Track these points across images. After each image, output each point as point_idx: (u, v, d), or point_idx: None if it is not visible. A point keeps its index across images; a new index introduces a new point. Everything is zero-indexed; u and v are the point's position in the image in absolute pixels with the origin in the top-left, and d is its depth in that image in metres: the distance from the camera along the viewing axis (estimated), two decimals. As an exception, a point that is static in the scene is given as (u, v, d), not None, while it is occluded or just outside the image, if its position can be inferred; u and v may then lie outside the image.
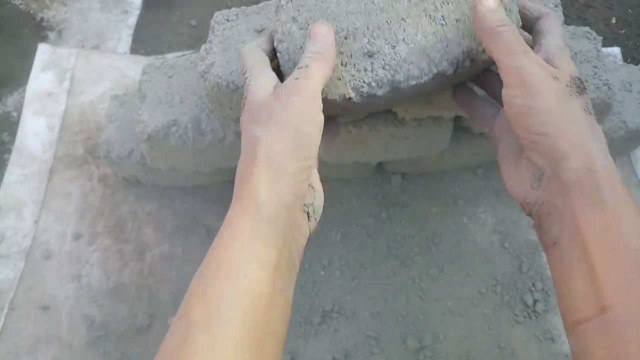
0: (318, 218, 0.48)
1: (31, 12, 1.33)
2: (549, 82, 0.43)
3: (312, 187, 0.46)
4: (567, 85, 0.44)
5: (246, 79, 0.49)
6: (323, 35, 0.48)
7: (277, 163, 0.41)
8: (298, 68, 0.45)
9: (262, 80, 0.47)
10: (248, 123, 0.45)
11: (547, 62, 0.46)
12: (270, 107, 0.43)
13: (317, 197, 0.47)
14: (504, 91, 0.45)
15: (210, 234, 1.00)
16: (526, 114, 0.43)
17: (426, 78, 0.51)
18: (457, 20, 0.52)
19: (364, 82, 0.51)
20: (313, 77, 0.44)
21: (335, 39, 0.50)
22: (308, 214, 0.45)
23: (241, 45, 0.82)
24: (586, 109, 0.45)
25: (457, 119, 0.91)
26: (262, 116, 0.43)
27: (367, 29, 0.51)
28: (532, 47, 0.47)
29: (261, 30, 0.85)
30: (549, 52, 0.47)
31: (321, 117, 0.44)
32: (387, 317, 0.91)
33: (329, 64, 0.47)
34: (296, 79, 0.44)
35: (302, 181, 0.43)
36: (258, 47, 0.54)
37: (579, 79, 0.46)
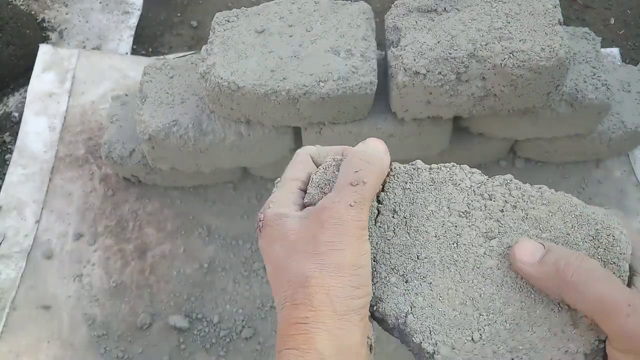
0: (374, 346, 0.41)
1: (32, 12, 1.33)
2: None
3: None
4: None
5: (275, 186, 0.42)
6: (380, 150, 0.40)
7: (340, 306, 0.36)
8: (353, 184, 0.37)
9: (290, 196, 0.40)
10: (286, 255, 0.38)
11: None
12: (317, 238, 0.36)
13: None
14: (608, 349, 0.35)
15: (210, 233, 1.00)
16: None
17: None
18: None
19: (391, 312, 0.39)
20: (367, 202, 0.37)
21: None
22: (371, 346, 0.38)
23: (242, 46, 0.83)
24: None
25: (456, 119, 0.92)
26: (306, 248, 0.37)
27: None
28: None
29: (262, 31, 0.85)
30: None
31: (368, 245, 0.38)
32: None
33: (382, 179, 0.39)
34: (351, 205, 0.37)
35: (365, 316, 0.37)
36: (309, 155, 0.43)
37: None
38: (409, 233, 0.40)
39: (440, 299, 0.38)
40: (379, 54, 0.87)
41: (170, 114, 0.90)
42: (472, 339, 0.37)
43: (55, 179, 1.07)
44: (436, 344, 0.37)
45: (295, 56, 0.80)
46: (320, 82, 0.78)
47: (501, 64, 0.76)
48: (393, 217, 0.41)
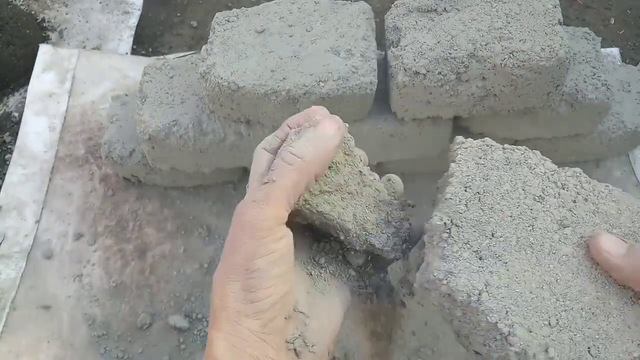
0: (320, 346, 0.38)
1: (32, 12, 1.33)
2: None
3: (298, 311, 0.38)
4: None
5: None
6: (331, 134, 0.38)
7: (232, 311, 0.35)
8: (263, 181, 0.37)
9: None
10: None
11: None
12: (227, 240, 0.36)
13: (311, 322, 0.39)
14: None
15: (211, 233, 1.00)
16: None
17: None
18: None
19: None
20: (273, 200, 0.36)
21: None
22: (296, 350, 0.37)
23: (242, 46, 0.83)
24: None
25: (456, 119, 0.92)
26: (225, 252, 0.36)
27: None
28: None
29: (262, 31, 0.85)
30: None
31: (281, 244, 0.36)
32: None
33: (310, 174, 0.37)
34: (253, 201, 0.36)
35: (272, 320, 0.36)
36: (262, 149, 0.40)
37: None
38: (482, 209, 0.39)
39: (517, 280, 0.37)
40: (379, 54, 0.87)
41: (170, 114, 0.90)
42: (549, 323, 0.36)
43: (55, 179, 1.07)
44: (512, 325, 0.35)
45: (295, 56, 0.80)
46: (320, 82, 0.78)
47: (501, 64, 0.76)
48: (465, 190, 0.39)
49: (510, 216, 0.39)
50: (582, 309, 0.36)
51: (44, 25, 1.32)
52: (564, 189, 0.40)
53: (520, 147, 0.42)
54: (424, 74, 0.78)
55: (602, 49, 0.95)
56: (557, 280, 0.37)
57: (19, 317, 0.93)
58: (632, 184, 1.02)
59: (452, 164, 0.41)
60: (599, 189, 0.40)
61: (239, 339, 0.35)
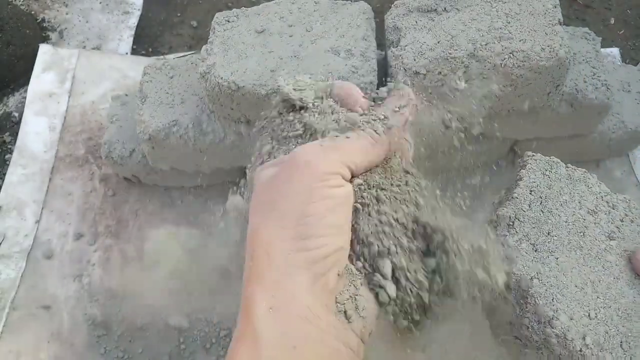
0: (369, 311, 0.34)
1: (32, 12, 1.33)
2: None
3: (350, 271, 0.34)
4: None
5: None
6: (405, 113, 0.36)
7: (279, 261, 0.31)
8: (335, 134, 0.34)
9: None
10: (251, 212, 0.34)
11: None
12: (272, 186, 0.33)
13: (361, 286, 0.34)
14: None
15: (212, 233, 1.00)
16: None
17: None
18: None
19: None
20: (341, 152, 0.33)
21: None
22: (346, 313, 0.32)
23: (242, 46, 0.83)
24: None
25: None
26: (262, 199, 0.33)
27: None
28: None
29: (262, 31, 0.85)
30: None
31: (340, 192, 0.33)
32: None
33: (380, 156, 0.36)
34: (320, 145, 0.33)
35: (324, 274, 0.31)
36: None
37: None
38: (542, 211, 0.46)
39: (565, 274, 0.43)
40: (379, 54, 0.87)
41: (170, 114, 0.90)
42: (589, 315, 0.41)
43: (55, 179, 1.07)
44: (557, 310, 0.41)
45: (295, 56, 0.80)
46: (320, 82, 0.78)
47: (501, 64, 0.76)
48: (530, 193, 0.47)
49: (566, 221, 0.46)
50: (619, 308, 0.42)
51: (44, 25, 1.32)
52: (614, 208, 0.46)
53: (581, 168, 0.49)
54: (424, 74, 0.78)
55: (602, 49, 0.95)
56: (599, 281, 0.43)
57: (19, 317, 0.93)
58: (632, 184, 1.02)
59: (522, 171, 0.48)
60: None
61: (285, 296, 0.30)
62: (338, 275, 0.32)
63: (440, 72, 0.78)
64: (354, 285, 0.34)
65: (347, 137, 0.34)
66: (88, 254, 0.99)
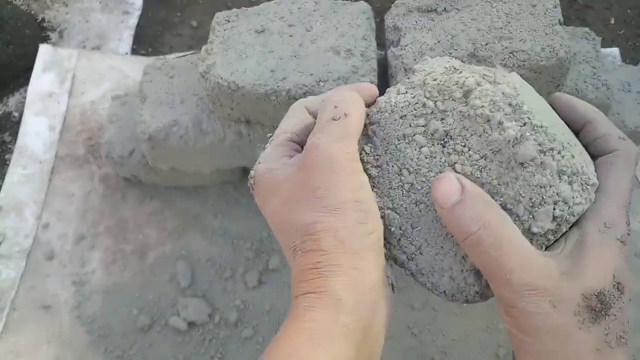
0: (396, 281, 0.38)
1: (32, 12, 1.33)
2: (546, 313, 0.30)
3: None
4: (576, 313, 0.30)
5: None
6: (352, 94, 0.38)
7: (351, 245, 0.33)
8: (335, 118, 0.35)
9: (280, 149, 0.38)
10: (285, 206, 0.35)
11: (572, 257, 0.32)
12: (310, 182, 0.34)
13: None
14: (503, 316, 0.34)
15: (214, 233, 1.00)
16: (525, 351, 0.32)
17: None
18: None
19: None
20: (353, 134, 0.35)
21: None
22: (392, 285, 0.37)
23: (242, 46, 0.83)
24: (606, 341, 0.31)
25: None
26: (303, 195, 0.35)
27: None
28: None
29: (262, 31, 0.85)
30: (584, 235, 0.32)
31: (365, 177, 0.36)
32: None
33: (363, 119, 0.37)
34: (337, 140, 0.35)
35: (380, 252, 0.35)
36: (304, 106, 0.40)
37: (603, 294, 0.31)
38: None
39: None
40: (379, 54, 0.87)
41: (170, 114, 0.90)
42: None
43: (55, 179, 1.07)
44: None
45: (295, 56, 0.80)
46: (320, 82, 0.78)
47: (501, 64, 0.76)
48: None
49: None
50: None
51: (44, 25, 1.32)
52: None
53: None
54: (424, 74, 0.78)
55: (602, 49, 0.95)
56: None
57: (19, 317, 0.93)
58: (632, 183, 1.02)
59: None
60: None
61: (359, 271, 0.33)
62: (383, 253, 0.36)
63: (441, 72, 0.78)
64: (389, 263, 0.37)
65: (345, 115, 0.36)
66: (88, 254, 0.99)
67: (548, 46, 0.76)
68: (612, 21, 1.28)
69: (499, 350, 0.88)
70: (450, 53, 0.77)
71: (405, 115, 0.36)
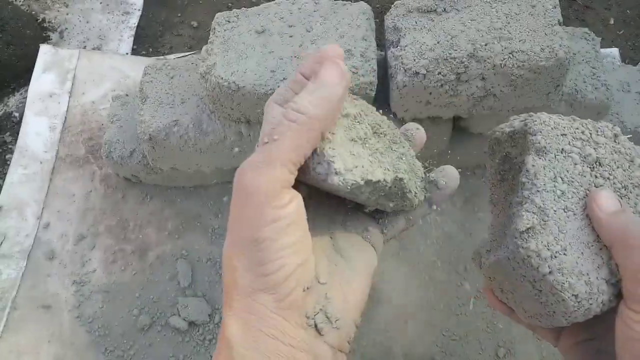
0: (344, 320, 0.35)
1: (33, 13, 1.33)
2: None
3: (319, 281, 0.35)
4: None
5: None
6: (332, 84, 0.33)
7: (243, 287, 0.32)
8: (262, 143, 0.33)
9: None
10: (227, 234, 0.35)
11: None
12: (231, 210, 0.33)
13: (333, 294, 0.35)
14: (621, 308, 0.35)
15: (214, 233, 1.00)
16: None
17: None
18: None
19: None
20: (276, 161, 0.32)
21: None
22: (317, 326, 0.34)
23: (242, 47, 0.83)
24: None
25: (456, 119, 0.92)
26: (229, 223, 0.34)
27: None
28: None
29: (262, 32, 0.85)
30: None
31: (287, 211, 0.32)
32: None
33: (315, 130, 0.33)
34: (253, 163, 0.33)
35: (288, 295, 0.32)
36: (273, 102, 0.36)
37: None
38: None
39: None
40: (379, 54, 0.87)
41: (171, 114, 0.90)
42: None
43: (56, 179, 1.07)
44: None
45: (295, 56, 0.81)
46: (320, 83, 0.78)
47: (501, 64, 0.77)
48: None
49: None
50: None
51: (45, 25, 1.32)
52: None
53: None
54: (424, 74, 0.78)
55: (602, 49, 0.96)
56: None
57: (20, 317, 0.94)
58: (631, 184, 1.02)
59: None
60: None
61: (254, 316, 0.32)
62: (304, 290, 0.33)
63: (440, 73, 0.78)
64: (325, 295, 0.35)
65: (274, 140, 0.32)
66: (88, 254, 0.99)
67: (547, 46, 0.76)
68: (612, 21, 1.29)
69: (499, 351, 0.88)
70: (449, 53, 0.77)
71: (565, 135, 0.41)
